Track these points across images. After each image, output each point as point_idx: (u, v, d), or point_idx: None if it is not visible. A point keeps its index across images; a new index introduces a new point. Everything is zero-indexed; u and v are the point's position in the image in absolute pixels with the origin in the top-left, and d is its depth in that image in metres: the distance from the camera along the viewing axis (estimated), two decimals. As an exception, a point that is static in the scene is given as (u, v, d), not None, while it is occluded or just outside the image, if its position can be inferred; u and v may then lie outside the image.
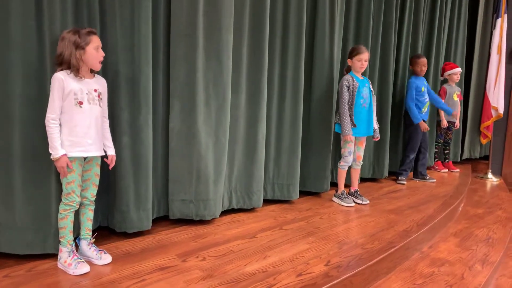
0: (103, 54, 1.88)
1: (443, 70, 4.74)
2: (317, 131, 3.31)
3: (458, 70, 4.62)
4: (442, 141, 4.87)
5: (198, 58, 2.40)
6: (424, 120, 4.10)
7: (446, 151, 4.96)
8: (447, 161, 4.96)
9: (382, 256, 2.20)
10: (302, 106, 3.10)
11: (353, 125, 3.10)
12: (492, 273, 2.40)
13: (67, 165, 1.80)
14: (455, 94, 4.64)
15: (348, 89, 3.10)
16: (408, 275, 2.25)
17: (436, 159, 4.90)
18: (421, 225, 2.74)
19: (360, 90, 3.11)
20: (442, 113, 4.54)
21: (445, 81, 4.76)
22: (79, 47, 1.80)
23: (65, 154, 1.79)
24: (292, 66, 3.03)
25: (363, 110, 3.14)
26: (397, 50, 4.19)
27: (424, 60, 4.08)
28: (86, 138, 1.85)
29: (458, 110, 4.71)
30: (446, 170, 4.85)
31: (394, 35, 3.99)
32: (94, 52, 1.83)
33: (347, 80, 3.12)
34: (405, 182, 4.10)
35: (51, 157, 1.79)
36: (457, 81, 4.69)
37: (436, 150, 4.89)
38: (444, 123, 4.55)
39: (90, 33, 1.84)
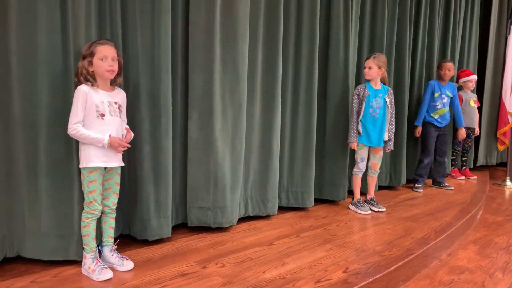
0: (110, 63, 1.86)
1: (458, 77, 4.71)
2: (332, 139, 3.33)
3: (474, 77, 4.60)
4: (460, 148, 4.81)
5: (215, 67, 2.45)
6: (436, 126, 4.09)
7: (464, 158, 4.91)
8: (464, 168, 4.91)
9: (401, 263, 2.19)
10: (316, 114, 3.13)
11: (359, 133, 3.13)
12: (514, 281, 2.37)
13: (111, 143, 1.87)
14: (472, 100, 4.61)
15: (358, 97, 3.15)
16: (427, 282, 2.23)
17: (453, 166, 4.85)
18: (439, 232, 2.72)
19: (370, 100, 3.13)
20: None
21: (459, 88, 4.73)
22: (85, 58, 1.87)
23: (109, 135, 1.86)
24: (305, 74, 3.07)
25: (372, 119, 3.15)
26: (413, 57, 4.20)
27: (448, 64, 4.10)
28: (107, 149, 1.91)
29: (476, 117, 4.67)
30: (463, 177, 4.79)
31: (409, 42, 4.01)
32: (99, 62, 1.86)
33: (358, 89, 3.19)
34: (421, 190, 4.07)
35: (105, 146, 1.85)
36: (472, 88, 4.67)
37: (453, 157, 4.84)
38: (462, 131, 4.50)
39: (96, 44, 1.87)
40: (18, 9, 1.84)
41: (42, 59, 1.89)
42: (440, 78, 4.17)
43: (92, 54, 1.85)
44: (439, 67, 4.17)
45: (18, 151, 1.91)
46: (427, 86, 4.12)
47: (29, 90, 1.89)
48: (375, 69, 3.13)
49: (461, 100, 4.57)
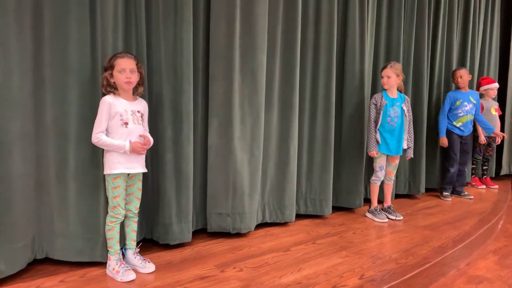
0: (128, 76, 1.95)
1: (479, 85, 4.65)
2: (349, 147, 3.36)
3: (495, 85, 4.54)
4: (481, 157, 4.75)
5: (234, 77, 2.53)
6: (458, 134, 4.06)
7: (485, 167, 4.84)
8: (485, 177, 4.84)
9: (417, 271, 2.20)
10: (333, 123, 3.17)
11: (377, 142, 3.15)
12: (534, 292, 2.34)
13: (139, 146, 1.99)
14: (493, 108, 4.55)
15: (376, 107, 3.17)
16: (444, 291, 2.23)
17: (474, 175, 4.79)
18: (457, 242, 2.70)
19: (387, 109, 3.15)
20: (480, 129, 4.44)
21: (481, 95, 4.68)
22: (107, 70, 1.98)
23: (130, 141, 1.96)
24: (323, 83, 3.12)
25: (390, 128, 3.17)
26: (431, 64, 4.19)
27: (459, 71, 4.07)
28: (131, 156, 2.01)
29: (497, 125, 4.60)
30: (484, 186, 4.72)
31: (427, 50, 4.00)
32: (118, 74, 1.96)
33: (375, 98, 3.21)
34: (450, 199, 4.05)
35: (127, 151, 1.96)
36: (494, 96, 4.60)
37: (474, 166, 4.77)
38: (482, 139, 4.44)
39: (116, 57, 1.97)
40: (51, 24, 1.97)
41: (72, 70, 2.01)
42: (455, 86, 4.15)
43: (112, 67, 1.96)
44: (451, 76, 4.17)
45: (49, 157, 2.03)
46: (446, 97, 4.10)
47: (60, 100, 2.01)
48: (394, 78, 3.15)
49: (482, 108, 4.52)
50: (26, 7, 1.91)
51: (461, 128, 4.08)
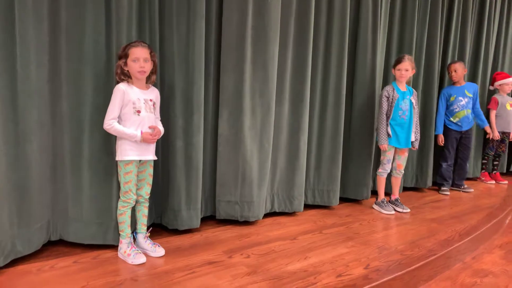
0: (141, 65, 1.97)
1: (494, 80, 4.60)
2: (358, 139, 3.38)
3: (511, 80, 4.48)
4: (493, 153, 4.70)
5: (246, 69, 2.56)
6: (456, 130, 4.05)
7: (496, 162, 4.80)
8: (495, 173, 4.81)
9: (422, 263, 2.23)
10: (343, 116, 3.18)
11: (389, 135, 3.15)
12: (539, 287, 2.35)
13: (145, 137, 2.03)
14: (508, 104, 4.48)
15: (388, 100, 3.16)
16: (448, 284, 2.25)
17: (484, 170, 4.76)
18: (463, 235, 2.72)
19: (399, 102, 3.15)
20: (494, 124, 4.40)
21: (495, 91, 4.63)
22: (121, 59, 2.02)
23: (141, 131, 2.02)
24: (334, 76, 3.12)
25: (401, 121, 3.17)
26: (443, 59, 4.15)
27: (453, 65, 4.00)
28: (143, 144, 2.06)
29: None
30: (493, 181, 4.70)
31: (440, 43, 3.96)
32: (132, 63, 1.99)
33: (387, 90, 3.18)
34: (448, 193, 4.04)
35: (138, 141, 2.01)
36: (509, 91, 4.53)
37: (485, 161, 4.74)
38: (496, 135, 4.39)
39: (131, 46, 2.00)
40: (67, 16, 2.02)
41: (88, 60, 2.07)
42: (450, 81, 4.10)
43: (126, 55, 2.00)
44: (446, 70, 4.11)
45: (64, 145, 2.10)
46: (440, 96, 4.07)
47: (75, 89, 2.07)
48: (410, 71, 3.15)
49: (497, 103, 4.46)
50: (44, 0, 1.95)
51: (458, 123, 4.05)
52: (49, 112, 2.05)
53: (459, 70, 3.99)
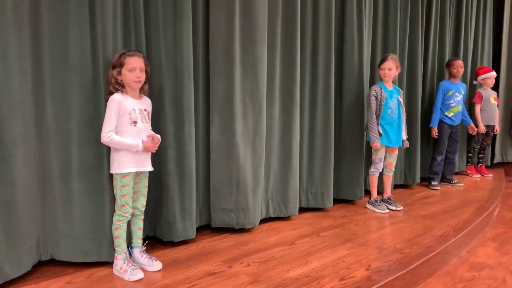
0: (138, 75, 1.94)
1: (477, 74, 4.69)
2: (348, 139, 3.38)
3: (493, 74, 4.58)
4: (478, 146, 4.80)
5: (235, 72, 2.52)
6: (449, 124, 4.13)
7: (481, 155, 4.90)
8: (480, 166, 4.90)
9: (422, 260, 2.24)
10: (333, 116, 3.18)
11: (380, 134, 3.16)
12: (535, 277, 2.38)
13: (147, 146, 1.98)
14: (492, 98, 4.59)
15: (376, 99, 3.18)
16: (448, 279, 2.26)
17: (469, 164, 4.85)
18: (458, 230, 2.75)
19: (387, 101, 3.17)
20: (479, 118, 4.49)
21: (479, 85, 4.73)
22: (115, 68, 1.95)
23: (142, 140, 1.96)
24: (322, 76, 3.11)
25: (391, 120, 3.19)
26: (425, 56, 4.22)
27: (460, 62, 4.13)
28: (139, 155, 1.99)
29: (496, 114, 4.64)
30: (479, 175, 4.79)
31: (421, 42, 4.03)
32: (127, 73, 1.94)
33: (375, 90, 3.19)
34: (438, 188, 4.09)
35: (139, 151, 1.95)
36: (492, 85, 4.64)
37: (470, 155, 4.82)
38: (482, 128, 4.48)
39: (126, 55, 1.95)
40: (50, 23, 1.93)
41: (73, 68, 1.97)
42: (452, 76, 4.18)
43: (121, 65, 1.93)
44: (451, 65, 4.17)
45: (52, 157, 2.00)
46: (438, 88, 4.15)
47: (61, 99, 1.97)
48: (394, 70, 3.17)
49: (481, 97, 4.55)
50: (24, 6, 1.86)
51: (452, 118, 4.14)
52: (34, 123, 1.94)
53: (463, 67, 4.13)
